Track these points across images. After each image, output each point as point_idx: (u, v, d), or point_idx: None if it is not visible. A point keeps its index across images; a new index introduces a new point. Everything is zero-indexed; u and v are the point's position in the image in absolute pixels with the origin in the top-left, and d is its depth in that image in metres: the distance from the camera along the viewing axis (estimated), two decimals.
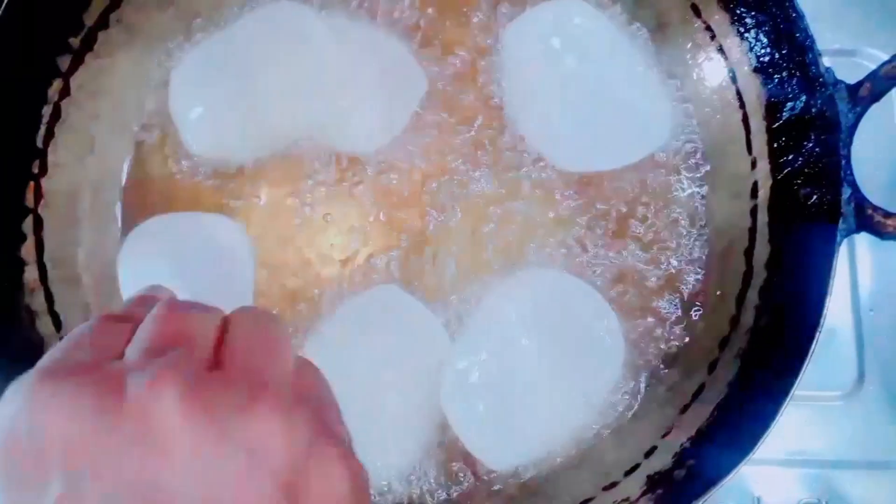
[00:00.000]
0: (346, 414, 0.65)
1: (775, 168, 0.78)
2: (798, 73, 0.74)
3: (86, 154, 0.83)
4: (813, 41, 0.72)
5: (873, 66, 0.71)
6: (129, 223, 0.84)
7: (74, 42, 0.80)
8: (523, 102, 0.86)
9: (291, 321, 0.81)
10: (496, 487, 0.78)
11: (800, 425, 0.90)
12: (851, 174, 0.70)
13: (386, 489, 0.77)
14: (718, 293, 0.82)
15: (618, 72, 0.87)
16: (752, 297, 0.77)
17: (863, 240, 0.72)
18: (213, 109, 0.84)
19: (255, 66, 0.84)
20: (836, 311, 0.79)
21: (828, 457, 0.90)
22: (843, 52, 0.98)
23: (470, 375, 0.78)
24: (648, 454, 0.75)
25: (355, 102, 0.85)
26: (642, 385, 0.81)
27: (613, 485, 0.75)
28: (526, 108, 0.86)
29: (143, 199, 0.85)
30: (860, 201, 0.69)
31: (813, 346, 0.67)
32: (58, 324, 0.77)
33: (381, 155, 0.85)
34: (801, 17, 0.73)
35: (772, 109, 0.78)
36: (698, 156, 0.86)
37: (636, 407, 0.81)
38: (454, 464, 0.78)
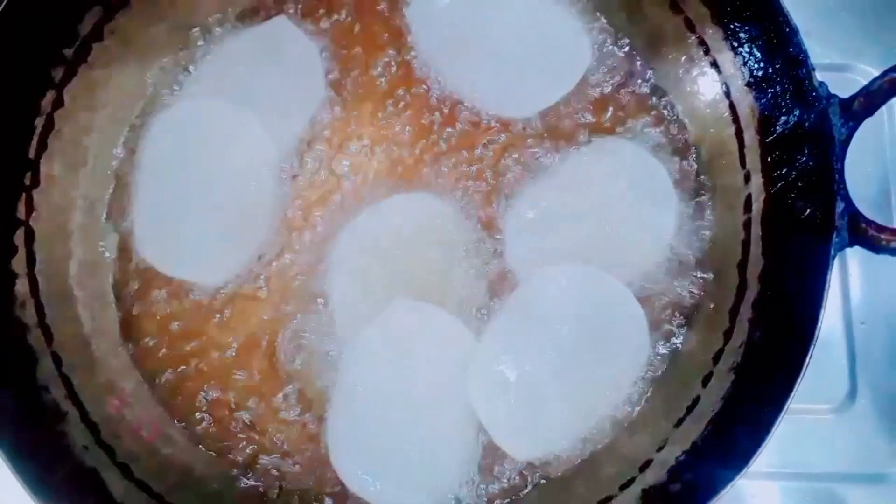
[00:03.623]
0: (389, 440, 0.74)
1: (769, 182, 0.78)
2: (791, 88, 0.75)
3: (79, 166, 0.82)
4: (807, 56, 0.73)
5: (864, 81, 0.72)
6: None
7: (68, 53, 0.79)
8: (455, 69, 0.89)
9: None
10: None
11: (792, 438, 0.90)
12: (845, 188, 0.70)
13: None
14: (712, 306, 0.82)
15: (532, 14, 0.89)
16: (746, 310, 0.77)
17: (854, 252, 0.73)
18: (184, 239, 0.82)
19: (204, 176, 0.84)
20: (828, 323, 0.79)
21: (820, 470, 0.90)
22: (835, 66, 0.99)
23: (496, 370, 0.78)
24: (643, 468, 0.75)
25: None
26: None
27: (609, 499, 0.75)
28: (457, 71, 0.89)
29: None
30: (854, 215, 0.69)
31: (807, 360, 0.67)
32: (49, 337, 0.76)
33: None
34: (794, 31, 0.73)
35: (765, 123, 0.79)
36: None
37: (634, 415, 0.81)
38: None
